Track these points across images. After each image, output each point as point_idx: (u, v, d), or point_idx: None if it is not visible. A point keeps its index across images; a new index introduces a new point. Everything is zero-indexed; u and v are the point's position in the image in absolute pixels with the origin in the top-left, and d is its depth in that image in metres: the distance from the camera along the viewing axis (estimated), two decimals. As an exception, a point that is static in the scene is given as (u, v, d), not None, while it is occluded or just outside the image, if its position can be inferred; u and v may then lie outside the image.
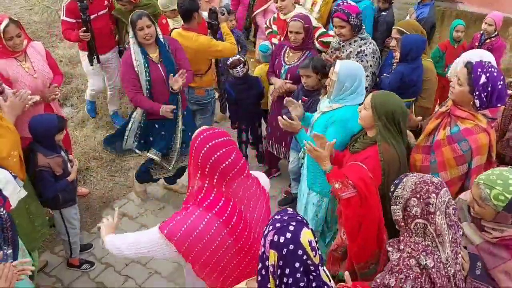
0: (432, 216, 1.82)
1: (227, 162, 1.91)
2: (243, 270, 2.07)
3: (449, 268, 1.83)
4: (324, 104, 3.11)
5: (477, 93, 2.50)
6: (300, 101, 3.61)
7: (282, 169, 4.68)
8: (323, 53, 4.02)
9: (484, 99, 2.51)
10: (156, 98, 3.62)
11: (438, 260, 1.82)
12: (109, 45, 4.92)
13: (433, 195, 1.83)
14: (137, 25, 3.46)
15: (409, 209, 1.87)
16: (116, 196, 4.41)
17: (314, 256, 1.59)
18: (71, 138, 4.71)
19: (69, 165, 3.29)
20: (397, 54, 3.75)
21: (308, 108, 3.57)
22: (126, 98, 5.97)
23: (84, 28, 4.46)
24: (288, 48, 3.97)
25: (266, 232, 1.63)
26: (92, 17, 4.53)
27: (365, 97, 3.07)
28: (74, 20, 4.54)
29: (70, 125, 5.34)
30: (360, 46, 3.71)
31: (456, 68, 2.98)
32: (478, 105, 2.54)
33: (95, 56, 4.75)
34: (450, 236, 1.84)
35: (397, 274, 1.82)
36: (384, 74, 3.84)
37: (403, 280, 1.80)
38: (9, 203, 2.47)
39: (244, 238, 2.00)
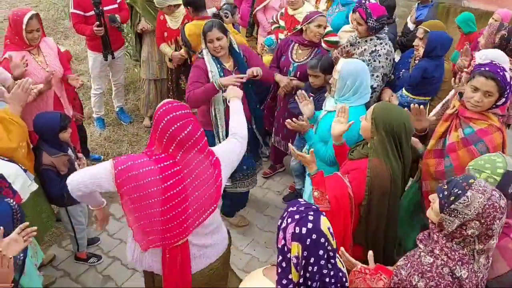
0: (488, 239, 1.74)
1: (183, 134, 2.04)
2: (162, 233, 2.14)
3: (478, 274, 1.79)
4: (329, 103, 3.12)
5: (508, 90, 2.45)
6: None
7: (286, 165, 4.72)
8: (335, 51, 4.02)
9: (508, 95, 2.47)
10: None
11: (472, 270, 1.77)
12: (117, 42, 4.86)
13: (497, 221, 1.72)
14: (207, 37, 3.30)
15: (465, 228, 1.73)
16: (123, 191, 4.45)
17: (333, 241, 1.66)
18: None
19: (76, 163, 3.28)
20: (420, 50, 3.71)
21: (314, 104, 3.57)
22: (131, 94, 6.04)
23: (98, 23, 4.44)
24: (296, 44, 3.95)
25: (284, 225, 1.67)
26: None
27: (372, 97, 3.10)
28: (83, 13, 4.50)
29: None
30: (375, 46, 3.65)
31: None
32: (502, 102, 2.49)
33: (109, 52, 4.72)
34: None
35: (427, 280, 1.77)
36: (403, 70, 3.82)
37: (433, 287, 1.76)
38: (19, 197, 2.52)
39: (172, 204, 2.09)
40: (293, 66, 3.93)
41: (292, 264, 1.63)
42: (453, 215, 1.73)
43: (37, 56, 3.51)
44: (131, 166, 2.06)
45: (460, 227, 1.73)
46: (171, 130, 2.03)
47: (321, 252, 1.61)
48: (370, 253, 2.17)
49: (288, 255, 1.64)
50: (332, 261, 1.66)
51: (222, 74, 3.33)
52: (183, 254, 2.24)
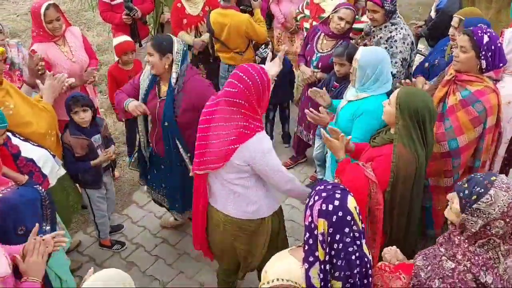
0: None
1: (235, 100, 2.35)
2: (195, 157, 2.56)
3: (504, 277, 1.71)
4: (350, 93, 3.08)
5: (483, 53, 2.59)
6: (331, 87, 3.61)
7: (308, 155, 4.70)
8: (354, 40, 3.97)
9: (490, 59, 2.60)
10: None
11: (497, 274, 1.69)
12: (144, 31, 4.88)
13: None
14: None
15: (489, 228, 1.66)
16: (145, 179, 4.50)
17: (359, 221, 1.67)
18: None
19: (100, 151, 3.28)
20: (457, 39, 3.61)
21: (338, 94, 3.56)
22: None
23: (127, 11, 4.48)
24: (322, 34, 3.88)
25: (311, 202, 1.70)
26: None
27: (393, 85, 3.05)
28: (109, 1, 4.57)
29: (100, 111, 5.45)
30: (391, 32, 3.61)
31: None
32: (484, 66, 2.63)
33: (137, 40, 4.73)
34: None
35: (449, 286, 1.70)
36: (439, 58, 3.74)
37: None
38: (48, 181, 2.59)
39: (200, 135, 2.49)
40: (316, 56, 3.89)
41: (318, 241, 1.65)
42: (475, 215, 1.66)
43: (63, 47, 3.56)
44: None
45: (484, 227, 1.66)
46: (230, 89, 2.36)
47: (347, 229, 1.64)
48: (398, 253, 2.08)
49: (315, 232, 1.66)
50: (358, 242, 1.67)
51: (146, 91, 3.08)
52: (202, 182, 2.62)
